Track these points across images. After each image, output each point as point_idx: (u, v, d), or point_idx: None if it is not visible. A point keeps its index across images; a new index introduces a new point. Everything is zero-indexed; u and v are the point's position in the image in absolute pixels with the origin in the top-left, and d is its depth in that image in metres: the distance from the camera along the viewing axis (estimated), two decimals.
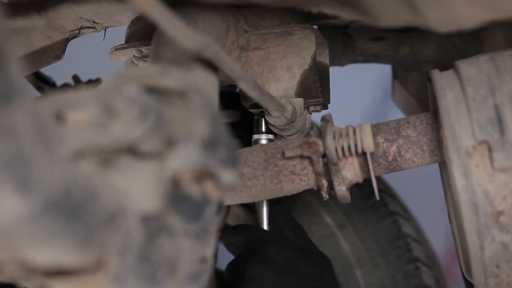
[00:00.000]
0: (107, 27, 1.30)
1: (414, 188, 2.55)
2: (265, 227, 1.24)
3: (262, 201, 1.24)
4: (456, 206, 0.98)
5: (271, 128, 1.19)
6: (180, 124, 0.70)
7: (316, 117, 1.27)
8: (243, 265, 1.15)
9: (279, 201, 1.25)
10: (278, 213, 1.22)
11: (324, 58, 1.23)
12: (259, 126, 1.23)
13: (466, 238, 0.95)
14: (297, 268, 1.12)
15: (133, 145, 0.67)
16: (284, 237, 1.19)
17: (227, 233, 1.22)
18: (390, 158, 1.05)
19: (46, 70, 1.48)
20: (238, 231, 1.21)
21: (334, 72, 1.32)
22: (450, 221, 1.15)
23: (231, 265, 1.19)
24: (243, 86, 0.94)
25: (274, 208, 1.24)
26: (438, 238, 2.35)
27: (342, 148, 1.03)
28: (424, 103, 1.67)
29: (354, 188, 1.18)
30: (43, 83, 1.54)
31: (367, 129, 1.03)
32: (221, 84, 1.05)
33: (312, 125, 1.24)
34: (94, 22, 1.26)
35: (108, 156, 0.66)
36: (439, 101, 0.97)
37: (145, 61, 1.21)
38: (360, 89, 3.45)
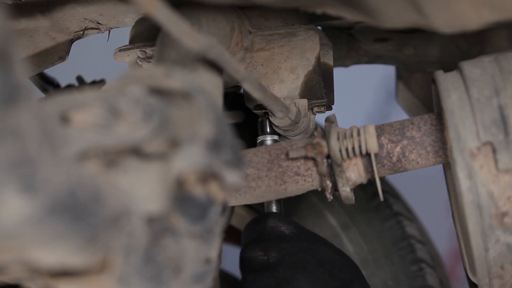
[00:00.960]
0: (111, 28, 1.30)
1: (418, 189, 2.55)
2: None
3: (271, 201, 1.24)
4: (460, 207, 0.98)
5: (275, 129, 1.19)
6: (184, 125, 0.70)
7: (320, 118, 1.27)
8: (298, 256, 1.12)
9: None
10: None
11: (328, 59, 1.23)
12: (264, 127, 1.23)
13: (470, 239, 0.95)
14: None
15: (138, 146, 0.67)
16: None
17: (273, 218, 1.19)
18: (394, 159, 1.05)
19: (50, 71, 1.48)
20: (288, 220, 1.19)
21: (338, 73, 1.32)
22: (454, 222, 1.15)
23: (273, 248, 1.16)
24: (247, 87, 0.94)
25: None
26: (442, 239, 2.35)
27: (347, 149, 1.04)
28: (428, 104, 1.67)
29: (358, 189, 1.18)
30: (47, 84, 1.55)
31: (372, 130, 1.03)
32: (225, 85, 1.06)
33: (316, 126, 1.24)
34: (98, 23, 1.26)
35: (113, 157, 0.66)
36: (444, 102, 0.97)
37: (149, 62, 1.21)
38: (364, 90, 3.45)
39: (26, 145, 0.49)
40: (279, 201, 1.24)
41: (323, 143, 1.04)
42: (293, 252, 1.11)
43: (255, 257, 1.14)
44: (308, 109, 1.18)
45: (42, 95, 1.54)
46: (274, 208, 1.24)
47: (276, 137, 1.22)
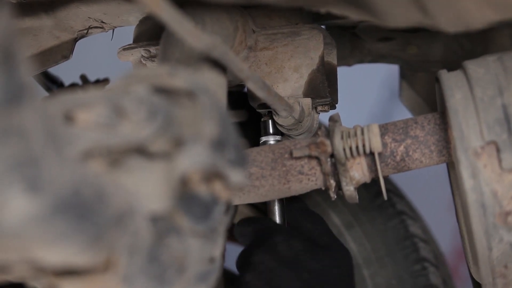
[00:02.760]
0: (115, 27, 1.30)
1: (422, 188, 2.55)
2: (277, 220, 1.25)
3: (273, 200, 1.24)
4: (464, 206, 0.98)
5: (279, 128, 1.19)
6: (188, 124, 0.70)
7: (324, 117, 1.27)
8: (249, 253, 1.15)
9: (295, 198, 1.25)
10: (294, 207, 1.22)
11: (332, 58, 1.23)
12: (267, 128, 1.23)
13: (474, 238, 0.95)
14: (302, 262, 1.12)
15: (142, 146, 0.67)
16: (300, 229, 1.19)
17: (238, 224, 1.22)
18: (398, 158, 1.05)
19: (54, 70, 1.48)
20: (249, 221, 1.21)
21: (341, 72, 1.32)
22: (457, 221, 1.15)
23: (240, 254, 1.19)
24: (251, 86, 0.94)
25: (290, 203, 1.24)
26: (445, 238, 2.35)
27: (350, 148, 1.04)
28: (431, 103, 1.67)
29: (362, 188, 1.18)
30: (51, 83, 1.55)
31: (375, 129, 1.03)
32: (229, 84, 1.06)
33: (320, 125, 1.24)
34: (102, 22, 1.26)
35: (117, 156, 0.66)
36: (447, 102, 0.97)
37: (153, 61, 1.21)
38: (367, 89, 3.44)
39: (30, 145, 0.49)
40: (281, 200, 1.25)
41: (327, 142, 1.04)
42: (246, 251, 1.17)
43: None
44: (312, 108, 1.18)
45: (46, 94, 1.55)
46: (276, 208, 1.24)
47: (279, 137, 1.22)
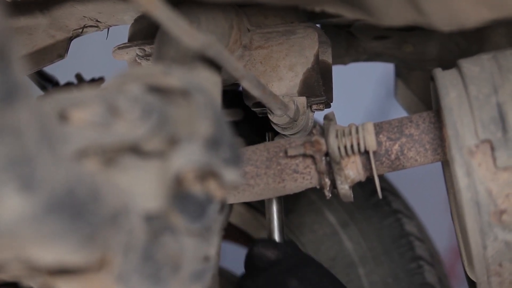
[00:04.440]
0: (110, 26, 1.30)
1: (417, 187, 2.55)
2: (275, 224, 1.25)
3: (271, 199, 1.24)
4: (459, 205, 0.98)
5: (274, 127, 1.19)
6: (183, 123, 0.70)
7: (319, 116, 1.27)
8: (280, 277, 1.15)
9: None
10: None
11: (327, 57, 1.23)
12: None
13: (468, 236, 0.95)
14: None
15: (137, 145, 0.67)
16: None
17: (258, 244, 1.21)
18: (393, 156, 1.06)
19: (49, 69, 1.48)
20: (272, 245, 1.21)
21: (337, 71, 1.32)
22: (452, 220, 1.15)
23: (259, 274, 1.19)
24: (246, 85, 0.94)
25: None
26: (441, 237, 2.35)
27: (345, 147, 1.04)
28: (427, 101, 1.67)
29: (357, 187, 1.19)
30: (46, 82, 1.55)
31: (370, 127, 1.03)
32: (224, 83, 1.06)
33: (315, 123, 1.24)
34: (97, 21, 1.26)
35: (112, 155, 0.66)
36: (442, 100, 0.97)
37: (148, 59, 1.21)
38: (363, 88, 3.44)
39: (24, 144, 0.49)
40: (279, 199, 1.25)
41: (322, 141, 1.04)
42: (276, 275, 1.16)
43: (246, 286, 1.20)
44: (307, 107, 1.18)
45: (41, 93, 1.54)
46: (274, 207, 1.25)
47: None
